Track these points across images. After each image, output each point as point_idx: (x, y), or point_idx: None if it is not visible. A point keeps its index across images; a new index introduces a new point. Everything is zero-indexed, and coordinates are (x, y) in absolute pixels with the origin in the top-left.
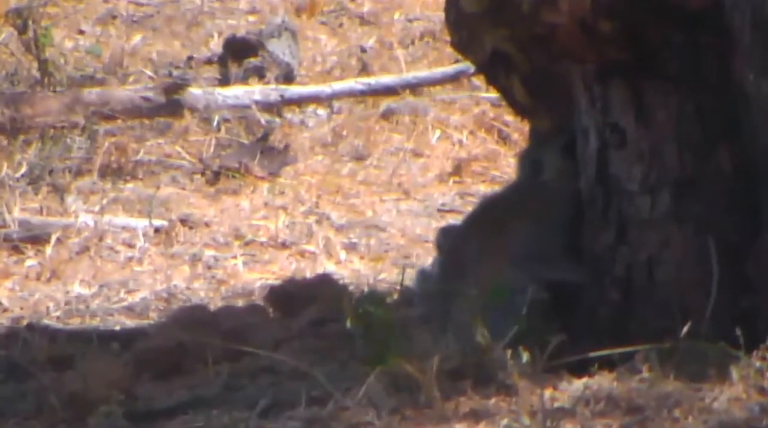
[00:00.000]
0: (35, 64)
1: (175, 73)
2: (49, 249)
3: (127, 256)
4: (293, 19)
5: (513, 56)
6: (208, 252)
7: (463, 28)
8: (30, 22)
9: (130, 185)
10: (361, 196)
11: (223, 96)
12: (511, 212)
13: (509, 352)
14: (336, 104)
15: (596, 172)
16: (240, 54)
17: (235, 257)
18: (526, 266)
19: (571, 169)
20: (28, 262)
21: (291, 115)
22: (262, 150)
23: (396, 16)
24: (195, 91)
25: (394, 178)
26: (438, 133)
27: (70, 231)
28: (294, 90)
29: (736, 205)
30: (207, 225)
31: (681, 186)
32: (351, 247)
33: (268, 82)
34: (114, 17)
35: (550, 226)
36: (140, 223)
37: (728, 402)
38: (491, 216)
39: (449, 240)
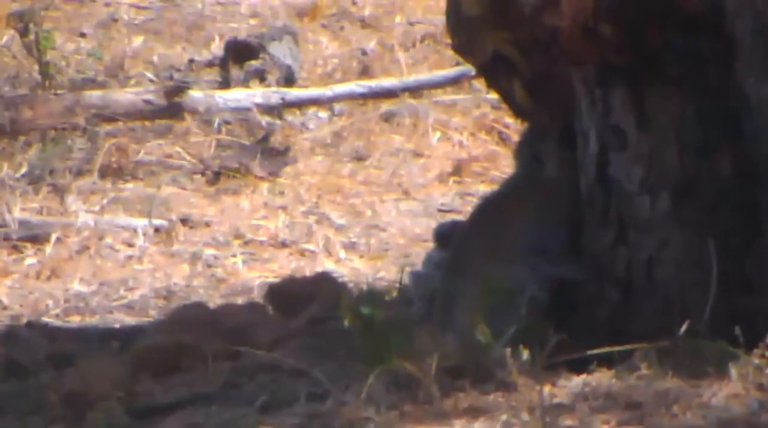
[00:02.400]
0: (36, 67)
1: (176, 76)
2: (49, 248)
3: (126, 255)
4: (294, 22)
5: (514, 59)
6: (208, 252)
7: (464, 31)
8: (31, 25)
9: (130, 185)
10: (361, 195)
11: (224, 99)
12: (512, 208)
13: (509, 350)
14: (337, 107)
15: (596, 173)
16: (241, 57)
17: (234, 256)
18: (527, 260)
19: (571, 158)
20: (28, 261)
21: (292, 117)
22: (262, 151)
23: (397, 19)
24: (196, 94)
25: (394, 178)
26: (438, 134)
27: (70, 231)
28: (295, 93)
29: (735, 206)
30: (207, 224)
31: (681, 187)
32: (351, 246)
33: (269, 85)
34: (115, 20)
35: (552, 222)
36: (140, 223)
37: (727, 399)
38: (492, 213)
39: (453, 238)
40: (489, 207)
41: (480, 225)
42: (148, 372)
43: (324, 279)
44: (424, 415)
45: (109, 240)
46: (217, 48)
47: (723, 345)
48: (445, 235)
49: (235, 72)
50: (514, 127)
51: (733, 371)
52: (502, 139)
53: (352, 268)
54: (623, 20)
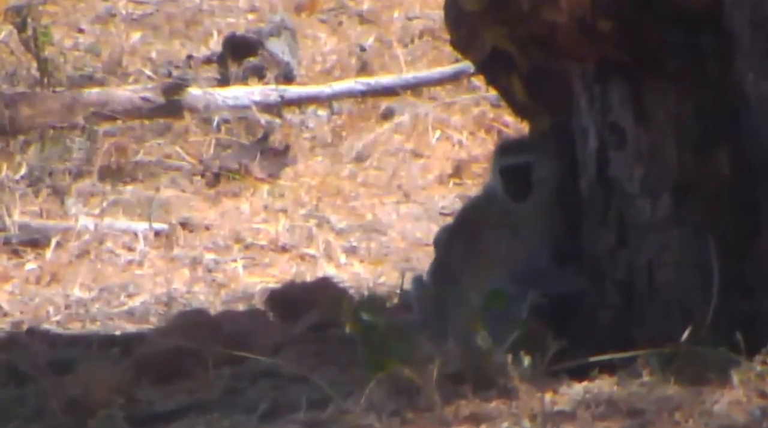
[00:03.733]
0: (35, 64)
1: (175, 72)
2: (49, 253)
3: (127, 260)
4: (293, 17)
5: (513, 55)
6: (209, 256)
7: (463, 27)
8: (29, 21)
9: (129, 187)
10: (361, 198)
11: (223, 96)
12: (493, 224)
13: (509, 356)
14: (336, 104)
15: (596, 173)
16: (239, 52)
17: (235, 261)
18: (526, 285)
19: (509, 189)
20: (28, 266)
21: (291, 115)
22: (262, 151)
23: (395, 14)
24: (195, 92)
25: (394, 179)
26: (438, 133)
27: (70, 235)
28: (294, 90)
29: (735, 206)
30: (207, 228)
31: (681, 188)
32: (351, 251)
33: (267, 82)
34: (113, 16)
35: (534, 238)
36: (140, 226)
37: (729, 406)
38: (474, 224)
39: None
40: (469, 218)
41: (463, 237)
42: (148, 378)
43: (325, 285)
44: (426, 423)
45: (109, 244)
46: (215, 44)
47: (724, 351)
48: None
49: (234, 69)
50: (514, 125)
51: (735, 377)
52: (502, 138)
53: (353, 273)
54: (621, 16)
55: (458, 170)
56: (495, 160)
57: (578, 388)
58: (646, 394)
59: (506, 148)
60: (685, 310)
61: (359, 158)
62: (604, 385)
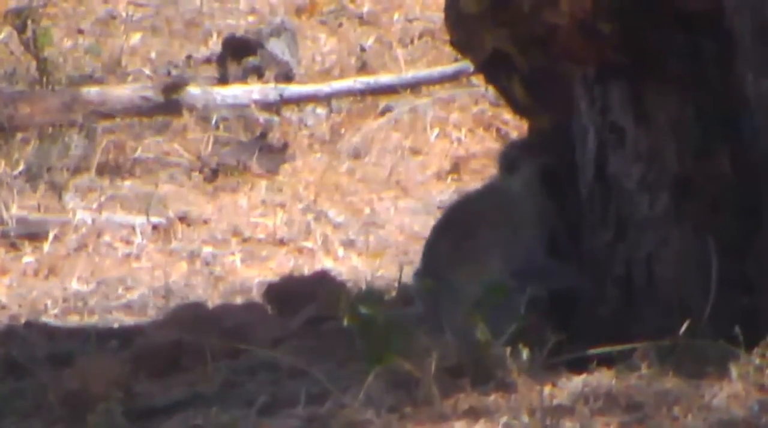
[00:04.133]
0: (34, 64)
1: (174, 72)
2: (46, 246)
3: (125, 253)
4: (293, 18)
5: (513, 56)
6: (207, 249)
7: (463, 29)
8: (29, 22)
9: (128, 183)
10: (359, 193)
11: (222, 95)
12: (488, 221)
13: (508, 350)
14: (335, 103)
15: (595, 172)
16: (239, 53)
17: (233, 254)
18: (525, 280)
19: (538, 192)
20: (26, 259)
21: (290, 113)
22: (260, 148)
23: (395, 16)
24: (194, 91)
25: (392, 175)
26: (437, 131)
27: (68, 228)
28: (293, 89)
29: (735, 203)
30: (205, 222)
31: (680, 185)
32: (349, 244)
33: (266, 81)
34: (113, 18)
35: (528, 235)
36: (138, 221)
37: (727, 400)
38: (469, 216)
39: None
40: (465, 210)
41: (452, 233)
42: (147, 371)
43: (323, 278)
44: (424, 417)
45: (107, 237)
46: (215, 44)
47: (723, 345)
48: None
49: (233, 68)
50: (513, 123)
51: (734, 371)
52: (501, 135)
53: (351, 266)
54: (622, 18)
55: (456, 167)
56: (523, 160)
57: (577, 381)
58: (644, 387)
59: (535, 148)
60: (684, 307)
61: (357, 155)
62: (602, 378)
